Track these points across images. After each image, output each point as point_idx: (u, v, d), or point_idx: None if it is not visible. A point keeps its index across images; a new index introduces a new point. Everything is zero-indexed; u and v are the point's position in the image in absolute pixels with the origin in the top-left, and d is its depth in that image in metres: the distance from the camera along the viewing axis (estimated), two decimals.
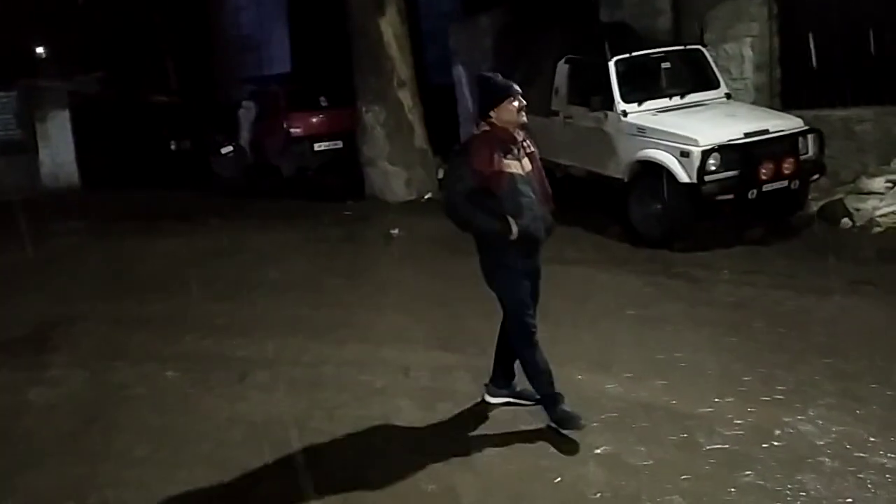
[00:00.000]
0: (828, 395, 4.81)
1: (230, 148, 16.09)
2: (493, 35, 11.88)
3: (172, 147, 16.74)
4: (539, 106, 9.55)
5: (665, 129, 8.07)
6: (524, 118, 4.37)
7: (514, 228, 4.26)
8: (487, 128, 4.38)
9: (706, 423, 4.56)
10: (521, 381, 4.83)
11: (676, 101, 8.62)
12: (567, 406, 4.54)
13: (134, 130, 16.27)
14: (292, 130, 14.67)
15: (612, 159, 8.62)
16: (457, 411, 4.92)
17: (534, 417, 4.67)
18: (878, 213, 7.82)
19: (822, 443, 4.30)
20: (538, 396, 4.65)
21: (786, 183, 7.86)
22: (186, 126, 16.94)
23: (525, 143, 4.43)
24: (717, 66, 8.97)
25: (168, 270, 8.83)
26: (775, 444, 4.32)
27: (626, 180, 8.45)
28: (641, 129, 8.26)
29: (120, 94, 17.46)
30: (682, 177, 7.77)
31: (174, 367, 5.97)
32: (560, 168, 9.35)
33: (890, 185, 8.12)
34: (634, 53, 8.77)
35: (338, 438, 4.71)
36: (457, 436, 4.66)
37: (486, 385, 4.95)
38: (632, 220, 8.37)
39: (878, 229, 7.71)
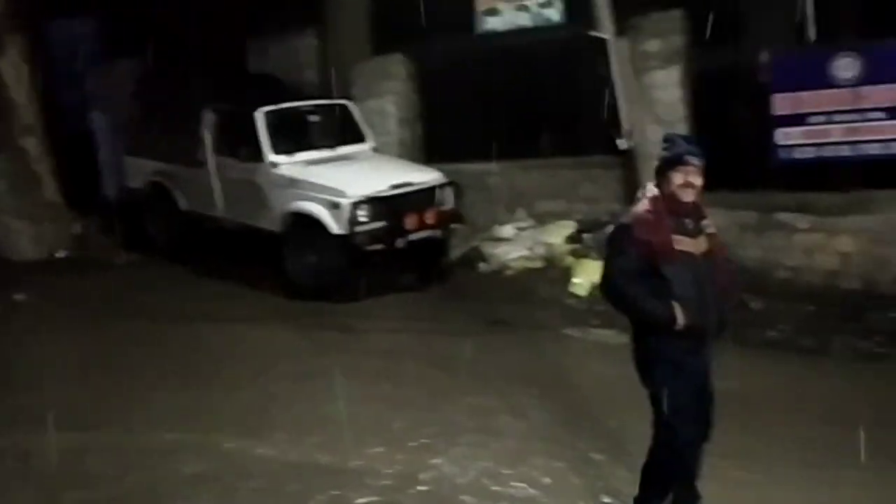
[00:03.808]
0: (469, 432, 5.06)
1: None
2: (136, 81, 11.19)
3: None
4: (185, 156, 9.20)
5: (316, 181, 8.14)
6: (688, 198, 3.58)
7: (681, 318, 3.53)
8: (657, 193, 3.65)
9: (357, 476, 4.53)
10: None
11: (326, 153, 8.75)
12: None
13: None
14: None
15: (264, 211, 8.48)
16: None
17: None
18: (509, 257, 8.60)
19: (463, 481, 4.48)
20: None
21: (430, 232, 8.32)
22: None
23: (704, 222, 3.69)
24: (363, 120, 9.30)
25: None
26: (421, 488, 4.41)
27: (279, 232, 8.35)
28: (293, 181, 8.25)
29: None
30: (334, 228, 7.87)
31: None
32: (210, 221, 8.99)
33: (518, 231, 8.97)
34: (283, 105, 8.77)
35: None
36: None
37: None
38: (287, 273, 8.27)
39: (509, 272, 8.46)
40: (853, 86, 7.15)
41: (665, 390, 3.63)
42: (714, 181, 7.80)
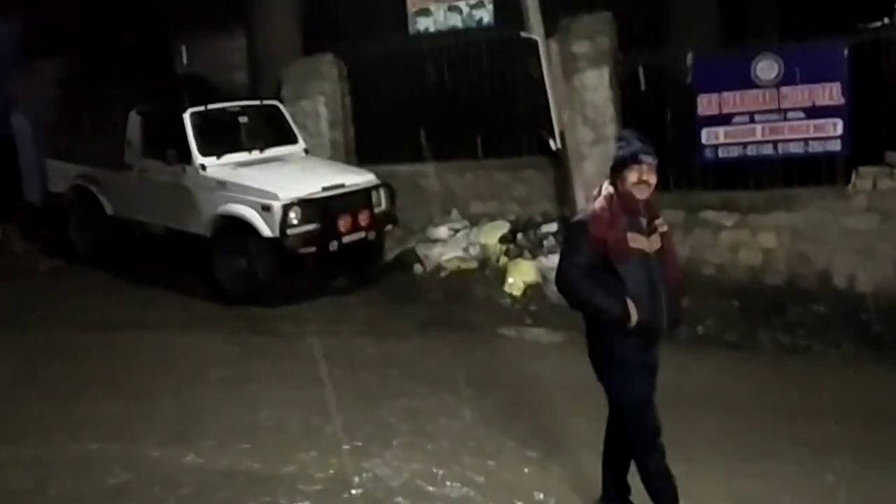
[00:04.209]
0: (402, 434, 5.04)
1: None
2: (60, 82, 10.84)
3: None
4: (111, 159, 8.95)
5: (246, 183, 7.99)
6: (643, 195, 3.62)
7: (634, 315, 3.57)
8: (611, 191, 3.68)
9: (288, 482, 4.47)
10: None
11: (256, 155, 8.60)
12: None
13: None
14: None
15: (192, 215, 8.29)
16: None
17: None
18: (444, 258, 8.58)
19: (397, 484, 4.45)
20: None
21: (363, 234, 8.25)
22: None
23: (657, 220, 3.74)
24: (294, 121, 9.18)
25: None
26: (354, 492, 4.38)
27: (208, 236, 8.18)
28: (222, 184, 8.08)
29: None
30: (265, 231, 7.73)
31: None
32: (137, 226, 8.77)
33: (452, 233, 8.98)
34: (210, 106, 8.58)
35: None
36: None
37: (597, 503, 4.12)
38: (217, 278, 8.11)
39: (444, 273, 8.45)
40: (774, 87, 7.36)
41: (625, 389, 3.72)
42: None
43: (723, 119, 7.54)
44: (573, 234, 3.76)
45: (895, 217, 7.01)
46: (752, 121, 7.46)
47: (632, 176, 3.60)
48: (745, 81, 7.42)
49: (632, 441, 3.80)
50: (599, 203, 3.67)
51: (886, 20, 7.00)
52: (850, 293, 6.99)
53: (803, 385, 5.73)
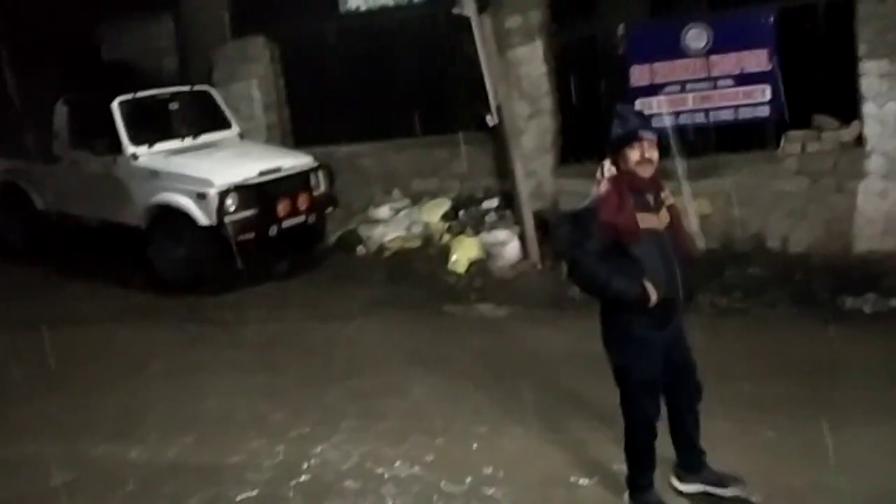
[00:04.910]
0: (350, 417, 5.03)
1: None
2: None
3: None
4: (39, 152, 8.69)
5: (180, 171, 7.84)
6: (647, 173, 3.52)
7: (653, 295, 3.50)
8: (614, 172, 3.58)
9: (237, 472, 4.44)
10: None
11: (189, 142, 8.43)
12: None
13: None
14: None
15: (126, 206, 8.10)
16: None
17: None
18: (386, 238, 8.55)
19: (346, 467, 4.45)
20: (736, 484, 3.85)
21: (303, 218, 8.17)
22: None
23: (663, 194, 3.66)
24: (227, 106, 9.00)
25: None
26: (304, 478, 4.36)
27: (144, 227, 8.00)
28: (155, 173, 7.92)
29: None
30: (202, 219, 7.60)
31: None
32: (70, 219, 8.54)
33: (394, 212, 8.93)
34: (140, 94, 8.37)
35: None
36: None
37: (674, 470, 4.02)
38: (155, 268, 7.95)
39: (387, 253, 8.42)
40: (704, 55, 7.47)
41: (634, 366, 3.66)
42: (581, 153, 8.14)
43: (655, 89, 7.63)
44: (582, 222, 3.64)
45: (824, 179, 7.20)
46: (683, 90, 7.56)
47: (633, 154, 3.51)
48: (676, 51, 7.51)
49: (628, 417, 3.77)
50: (605, 187, 3.58)
51: None
52: (784, 254, 7.17)
53: (741, 345, 5.87)
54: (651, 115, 7.62)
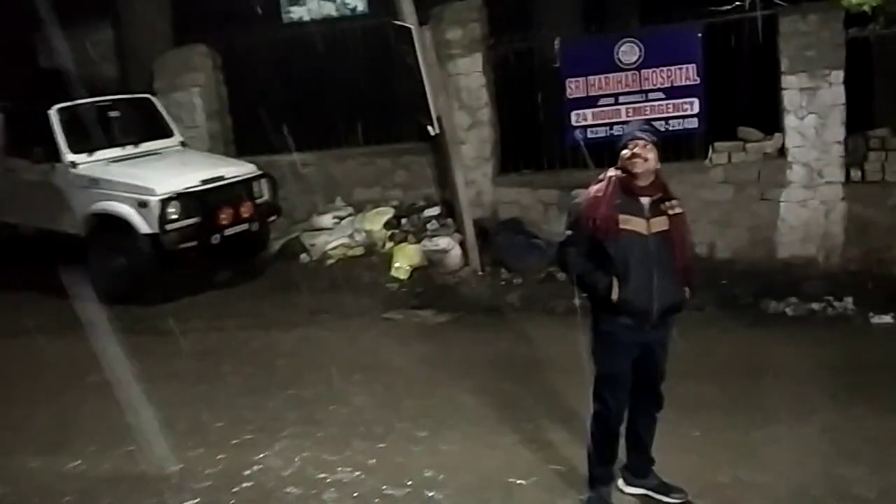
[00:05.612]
0: (292, 424, 5.10)
1: None
2: None
3: None
4: None
5: (120, 179, 7.80)
6: (637, 168, 3.65)
7: (615, 293, 3.65)
8: (611, 174, 3.76)
9: (176, 481, 4.46)
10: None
11: (130, 150, 8.38)
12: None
13: None
14: None
15: (65, 214, 8.03)
16: None
17: None
18: (329, 246, 8.62)
19: (287, 473, 4.52)
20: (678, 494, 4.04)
21: (246, 226, 8.18)
22: None
23: (668, 203, 3.73)
24: (168, 114, 8.96)
25: None
26: (245, 485, 4.42)
27: (83, 235, 7.93)
28: (94, 181, 7.86)
29: None
30: (143, 227, 7.58)
31: None
32: (5, 228, 8.41)
33: (337, 220, 9.00)
34: (78, 102, 8.30)
35: None
36: None
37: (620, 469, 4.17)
38: (94, 278, 7.86)
39: (330, 261, 8.50)
40: (636, 69, 7.73)
41: (602, 360, 3.85)
42: (520, 162, 8.33)
43: (589, 101, 7.87)
44: (572, 216, 3.86)
45: (748, 188, 7.52)
46: (616, 102, 7.82)
47: (626, 153, 3.69)
48: (609, 65, 7.76)
49: (594, 410, 3.92)
50: (596, 184, 3.77)
51: (737, 3, 7.42)
52: (711, 260, 7.44)
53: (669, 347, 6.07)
54: (585, 127, 7.94)
